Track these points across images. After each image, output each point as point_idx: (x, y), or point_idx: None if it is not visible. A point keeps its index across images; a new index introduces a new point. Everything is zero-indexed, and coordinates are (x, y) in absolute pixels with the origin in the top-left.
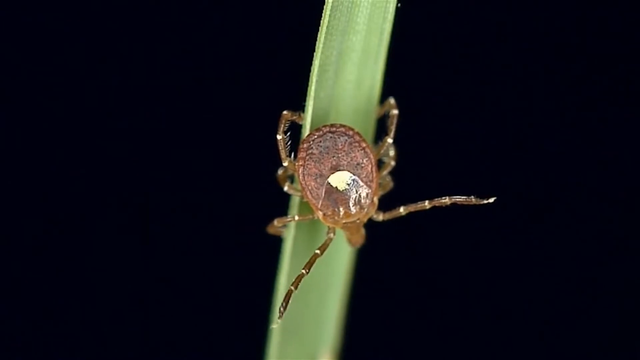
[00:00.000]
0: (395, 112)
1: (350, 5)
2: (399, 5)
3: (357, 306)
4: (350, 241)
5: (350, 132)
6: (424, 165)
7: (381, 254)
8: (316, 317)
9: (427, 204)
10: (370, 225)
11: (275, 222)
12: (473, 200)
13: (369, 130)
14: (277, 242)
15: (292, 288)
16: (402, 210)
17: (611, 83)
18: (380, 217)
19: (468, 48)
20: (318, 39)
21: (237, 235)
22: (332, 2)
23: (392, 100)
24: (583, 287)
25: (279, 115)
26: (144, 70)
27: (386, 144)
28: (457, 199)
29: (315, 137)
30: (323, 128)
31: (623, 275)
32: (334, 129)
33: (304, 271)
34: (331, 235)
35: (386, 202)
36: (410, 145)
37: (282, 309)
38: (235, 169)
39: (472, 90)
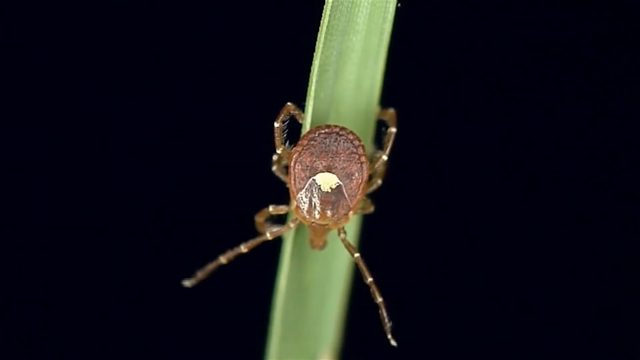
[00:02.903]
0: (394, 130)
1: (350, 5)
2: (399, 5)
3: (357, 306)
4: (312, 242)
5: (356, 143)
6: (423, 165)
7: (381, 254)
8: (316, 317)
9: (369, 279)
10: (370, 225)
11: (256, 217)
12: (387, 327)
13: (369, 131)
14: (277, 242)
15: (223, 260)
16: (356, 255)
17: (612, 84)
18: (341, 235)
19: (468, 48)
20: (318, 39)
21: (237, 235)
22: (332, 2)
23: (392, 112)
24: (582, 288)
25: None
26: (143, 70)
27: (380, 160)
28: (382, 310)
29: (323, 132)
30: (334, 127)
31: (623, 277)
32: (344, 132)
33: (243, 247)
34: (291, 225)
35: (384, 199)
36: (410, 145)
37: (199, 273)
38: (236, 169)
39: (472, 90)
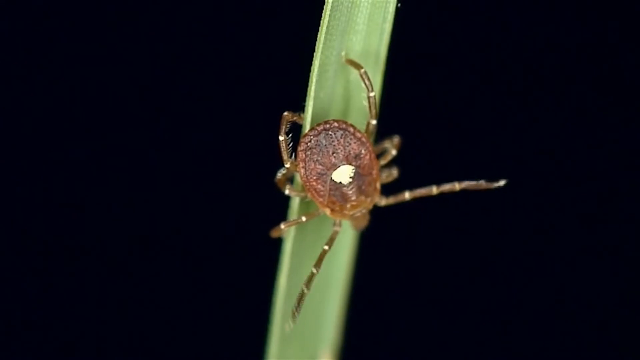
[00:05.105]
0: (372, 94)
1: (350, 5)
2: (399, 5)
3: (357, 306)
4: (355, 227)
5: (344, 125)
6: (423, 166)
7: (381, 253)
8: (316, 317)
9: (434, 190)
10: (371, 226)
11: (282, 225)
12: (483, 184)
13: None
14: (277, 242)
15: (305, 290)
16: (407, 195)
17: (611, 83)
18: (383, 202)
19: (468, 48)
20: (318, 39)
21: (238, 236)
22: (332, 2)
23: (363, 71)
24: (583, 284)
25: (279, 116)
26: (143, 71)
27: (371, 127)
28: (467, 184)
29: (312, 136)
30: (317, 127)
31: (623, 275)
32: (328, 125)
33: (314, 270)
34: (337, 228)
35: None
36: (410, 145)
37: (295, 311)
38: (235, 170)
39: (472, 90)
